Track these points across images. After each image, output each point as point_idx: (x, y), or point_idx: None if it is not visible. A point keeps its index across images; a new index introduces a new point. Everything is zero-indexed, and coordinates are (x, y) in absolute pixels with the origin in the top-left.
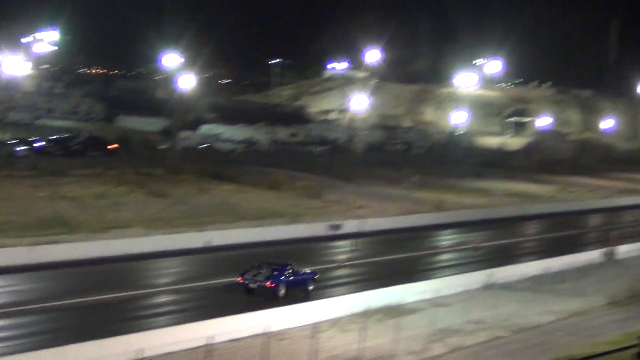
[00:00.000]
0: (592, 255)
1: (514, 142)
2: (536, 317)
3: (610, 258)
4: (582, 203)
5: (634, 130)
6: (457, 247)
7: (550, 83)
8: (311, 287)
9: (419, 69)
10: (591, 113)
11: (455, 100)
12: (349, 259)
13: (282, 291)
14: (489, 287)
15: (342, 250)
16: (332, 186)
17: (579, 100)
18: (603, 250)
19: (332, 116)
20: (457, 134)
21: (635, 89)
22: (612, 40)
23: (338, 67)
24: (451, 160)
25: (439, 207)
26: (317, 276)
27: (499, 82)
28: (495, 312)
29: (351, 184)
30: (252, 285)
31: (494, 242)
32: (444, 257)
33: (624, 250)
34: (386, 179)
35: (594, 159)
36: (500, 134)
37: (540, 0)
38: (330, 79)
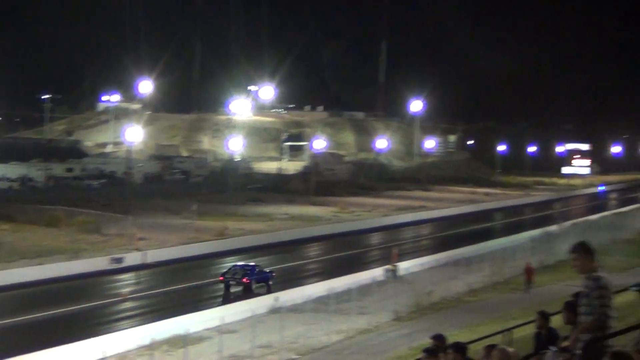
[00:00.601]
0: (375, 273)
1: (291, 166)
2: (324, 337)
3: (392, 275)
4: (362, 222)
5: (407, 148)
6: None
7: (323, 107)
8: (271, 282)
9: (193, 97)
10: (365, 134)
11: (231, 127)
12: (133, 292)
13: (254, 285)
14: (275, 310)
15: (126, 283)
16: (112, 220)
17: (352, 122)
18: (385, 267)
19: (108, 149)
20: (234, 160)
21: (406, 108)
22: (381, 62)
23: (111, 99)
24: (231, 187)
25: (221, 234)
26: (274, 274)
27: (273, 108)
28: (282, 335)
29: (131, 216)
30: (232, 282)
31: (278, 266)
32: None
33: (405, 266)
34: (166, 209)
35: (371, 178)
36: (278, 158)
37: (310, 25)
38: (104, 112)
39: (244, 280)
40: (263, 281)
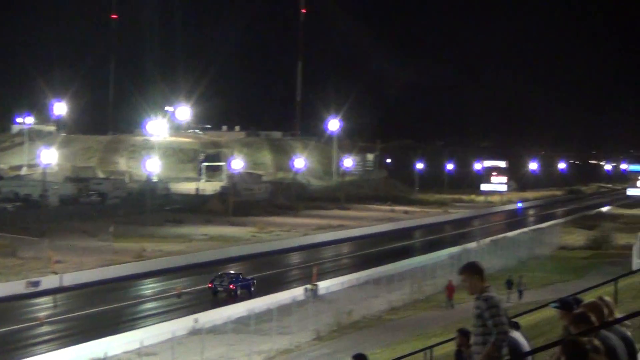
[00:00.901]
0: (295, 293)
1: (209, 186)
2: (244, 358)
3: (312, 294)
4: (281, 242)
5: (325, 167)
6: (161, 294)
7: (240, 126)
8: (253, 288)
9: (109, 118)
10: (283, 153)
11: (148, 148)
12: (50, 316)
13: (239, 291)
14: (195, 332)
15: (43, 307)
16: (28, 243)
17: (270, 141)
18: (305, 287)
19: (23, 172)
20: (152, 181)
21: (323, 127)
22: (297, 82)
23: (25, 121)
24: (148, 208)
25: (140, 256)
26: (255, 281)
27: (190, 128)
28: (203, 357)
29: (47, 239)
30: (219, 288)
31: (197, 287)
32: (148, 305)
33: (325, 285)
34: (82, 232)
35: (289, 198)
36: (196, 179)
37: (226, 45)
38: (18, 134)
39: (231, 286)
40: (246, 287)
